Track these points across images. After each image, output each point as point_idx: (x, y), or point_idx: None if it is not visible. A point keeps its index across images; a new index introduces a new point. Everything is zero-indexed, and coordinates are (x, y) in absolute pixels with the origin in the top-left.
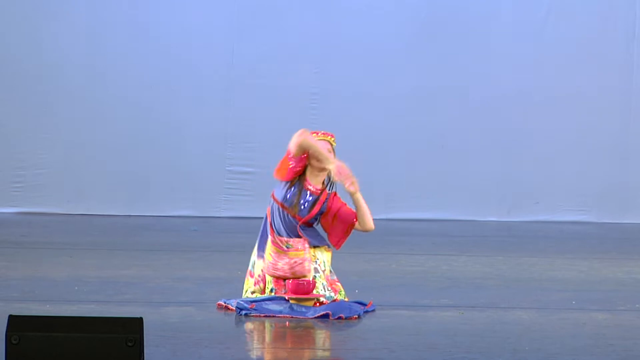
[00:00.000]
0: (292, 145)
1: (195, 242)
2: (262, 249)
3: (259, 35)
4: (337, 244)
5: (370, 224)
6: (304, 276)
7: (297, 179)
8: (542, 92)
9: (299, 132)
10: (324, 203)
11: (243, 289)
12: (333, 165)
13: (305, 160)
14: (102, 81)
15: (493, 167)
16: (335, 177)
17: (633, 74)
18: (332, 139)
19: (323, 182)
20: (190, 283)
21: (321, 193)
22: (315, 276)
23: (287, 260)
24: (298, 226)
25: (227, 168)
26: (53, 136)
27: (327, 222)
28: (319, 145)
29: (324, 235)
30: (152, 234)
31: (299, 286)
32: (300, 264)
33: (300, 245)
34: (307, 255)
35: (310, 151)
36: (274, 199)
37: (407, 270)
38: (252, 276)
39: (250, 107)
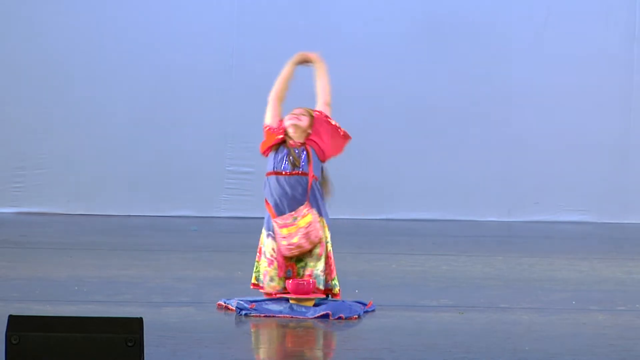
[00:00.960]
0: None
1: (195, 242)
2: (269, 228)
3: (259, 35)
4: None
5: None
6: (320, 240)
7: (281, 144)
8: (542, 92)
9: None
10: (312, 154)
11: (254, 268)
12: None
13: (282, 128)
14: (102, 81)
15: (493, 167)
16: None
17: (633, 74)
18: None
19: (300, 141)
20: (190, 283)
21: (304, 144)
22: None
23: (300, 233)
24: (309, 186)
25: (227, 168)
26: (53, 136)
27: (326, 149)
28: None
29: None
30: (152, 234)
31: (299, 286)
32: (312, 229)
33: (305, 210)
34: (315, 217)
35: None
36: (272, 174)
37: (407, 270)
38: (264, 256)
39: (250, 107)
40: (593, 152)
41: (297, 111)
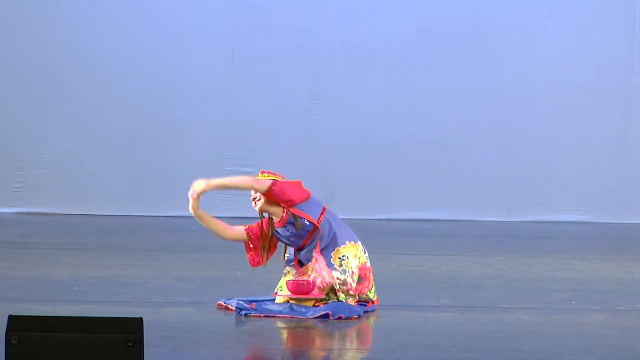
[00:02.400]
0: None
1: (195, 242)
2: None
3: (259, 35)
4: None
5: (246, 184)
6: (329, 284)
7: (270, 234)
8: (542, 92)
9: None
10: (296, 209)
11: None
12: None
13: (257, 228)
14: (102, 81)
15: (493, 167)
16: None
17: (633, 74)
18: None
19: (280, 215)
20: (190, 283)
21: (285, 216)
22: (342, 281)
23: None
24: (318, 241)
25: (227, 168)
26: (53, 136)
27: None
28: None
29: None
30: (152, 234)
31: (298, 286)
32: (320, 275)
33: (312, 265)
34: (319, 265)
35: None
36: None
37: (407, 270)
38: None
39: (250, 107)
40: (593, 152)
41: (250, 195)
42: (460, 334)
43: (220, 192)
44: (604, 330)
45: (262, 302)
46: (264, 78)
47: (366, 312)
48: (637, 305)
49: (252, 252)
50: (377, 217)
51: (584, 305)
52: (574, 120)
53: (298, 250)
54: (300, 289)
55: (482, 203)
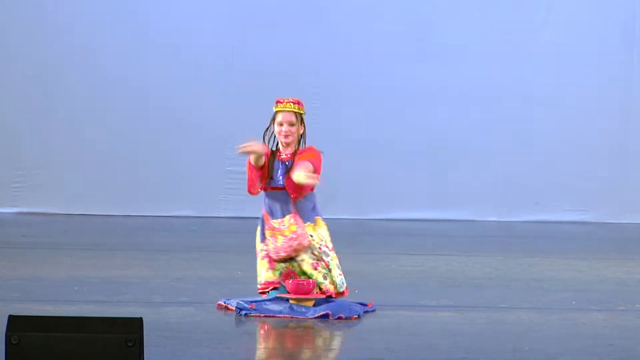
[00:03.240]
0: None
1: (195, 242)
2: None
3: (259, 35)
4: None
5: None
6: (305, 248)
7: (271, 157)
8: (542, 92)
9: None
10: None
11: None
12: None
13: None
14: (101, 81)
15: (493, 167)
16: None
17: (633, 74)
18: (296, 106)
19: (296, 151)
20: (190, 283)
21: (294, 156)
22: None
23: (284, 239)
24: (291, 200)
25: (227, 168)
26: (53, 136)
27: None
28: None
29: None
30: (152, 234)
31: (299, 286)
32: (298, 237)
33: (292, 220)
34: (301, 229)
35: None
36: (268, 189)
37: (407, 270)
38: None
39: (250, 107)
40: (593, 152)
41: (285, 118)
42: (460, 334)
43: (222, 192)
44: (604, 330)
45: (262, 302)
46: (263, 78)
47: (366, 312)
48: (637, 305)
49: (256, 174)
50: (377, 217)
51: (584, 305)
52: (573, 120)
53: (270, 192)
54: (300, 289)
55: (482, 203)
